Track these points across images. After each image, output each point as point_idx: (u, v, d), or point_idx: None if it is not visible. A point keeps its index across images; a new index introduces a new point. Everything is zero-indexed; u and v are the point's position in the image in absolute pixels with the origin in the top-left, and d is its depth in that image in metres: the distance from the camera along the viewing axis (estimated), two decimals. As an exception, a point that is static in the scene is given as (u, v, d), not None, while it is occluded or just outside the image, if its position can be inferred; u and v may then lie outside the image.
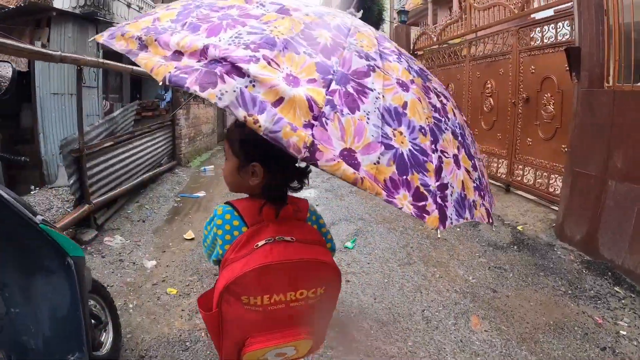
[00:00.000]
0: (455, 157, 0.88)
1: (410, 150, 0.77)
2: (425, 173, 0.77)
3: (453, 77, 7.25)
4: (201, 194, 5.69)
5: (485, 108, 6.32)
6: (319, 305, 1.01)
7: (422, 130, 0.81)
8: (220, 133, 11.97)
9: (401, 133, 0.77)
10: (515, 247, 4.11)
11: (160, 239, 3.98)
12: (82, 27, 7.47)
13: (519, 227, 4.69)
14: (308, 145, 0.67)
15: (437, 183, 0.78)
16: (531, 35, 5.33)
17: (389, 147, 0.74)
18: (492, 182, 5.98)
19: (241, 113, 0.66)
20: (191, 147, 8.42)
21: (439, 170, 0.80)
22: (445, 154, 0.84)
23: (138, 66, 0.83)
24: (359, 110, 0.74)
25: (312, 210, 1.12)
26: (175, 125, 7.45)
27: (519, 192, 5.68)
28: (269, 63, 0.71)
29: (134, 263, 3.45)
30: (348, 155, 0.71)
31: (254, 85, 0.67)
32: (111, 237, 3.98)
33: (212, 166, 7.74)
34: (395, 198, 0.71)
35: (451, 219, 0.79)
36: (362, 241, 3.99)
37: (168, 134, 7.22)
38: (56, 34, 6.77)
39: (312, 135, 0.68)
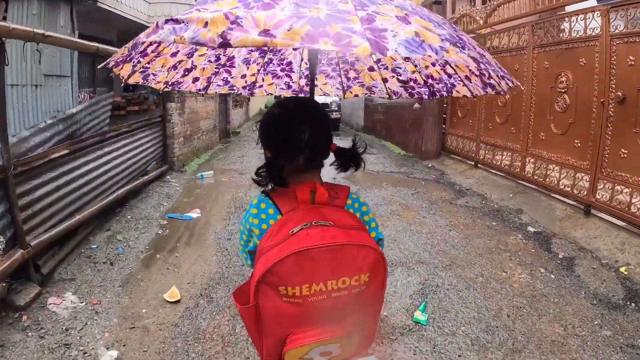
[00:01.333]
0: (401, 17, 0.84)
1: (327, 14, 0.77)
2: (347, 23, 0.75)
3: (509, 67, 5.88)
4: (195, 213, 4.37)
5: (557, 107, 4.95)
6: (364, 296, 0.92)
7: (343, 1, 0.81)
8: (222, 129, 10.62)
9: (317, 8, 0.78)
10: (634, 304, 2.89)
11: (131, 300, 2.67)
12: (52, 4, 6.11)
13: (623, 270, 3.44)
14: (220, 33, 0.74)
15: (366, 26, 0.76)
16: (630, 16, 3.97)
17: (302, 16, 0.75)
18: (564, 199, 4.70)
19: (172, 38, 0.79)
20: (187, 147, 7.09)
21: (368, 20, 0.78)
22: (381, 14, 0.82)
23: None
24: (273, 8, 0.78)
25: (353, 198, 1.08)
26: (166, 122, 6.12)
27: (603, 216, 4.36)
28: (199, 10, 0.83)
29: (86, 353, 2.15)
30: (264, 34, 0.73)
31: (187, 25, 0.78)
32: (60, 295, 2.67)
33: (212, 171, 6.41)
34: (315, 44, 0.71)
35: (396, 51, 0.75)
36: (435, 307, 2.66)
37: (157, 132, 5.88)
38: (16, 10, 5.41)
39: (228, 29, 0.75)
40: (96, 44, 3.25)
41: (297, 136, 0.98)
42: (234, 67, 1.67)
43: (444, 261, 3.30)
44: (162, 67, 1.49)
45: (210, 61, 1.59)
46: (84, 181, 3.49)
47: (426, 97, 1.57)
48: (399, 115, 9.25)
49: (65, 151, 3.14)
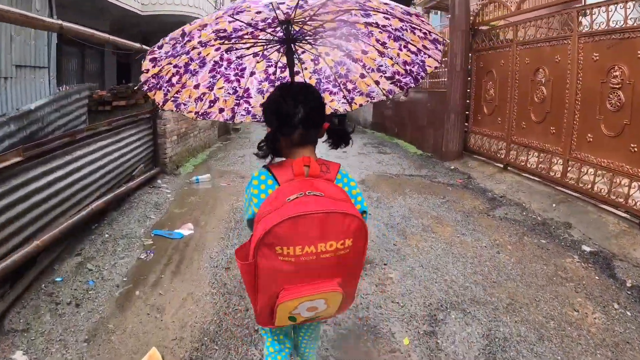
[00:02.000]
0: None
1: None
2: None
3: (547, 59, 5.14)
4: (187, 230, 3.66)
5: (609, 105, 4.23)
6: (347, 258, 1.06)
7: None
8: (221, 126, 9.90)
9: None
10: None
11: (97, 364, 1.98)
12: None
13: None
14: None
15: None
16: None
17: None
18: (615, 211, 4.04)
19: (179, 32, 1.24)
20: (181, 146, 6.37)
21: None
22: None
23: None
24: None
25: (343, 174, 1.24)
26: (157, 118, 5.39)
27: (664, 230, 3.70)
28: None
29: None
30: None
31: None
32: (7, 357, 1.98)
33: (208, 174, 5.68)
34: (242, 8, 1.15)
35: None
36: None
37: (146, 131, 5.16)
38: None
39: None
40: (60, 21, 2.54)
41: (293, 115, 1.14)
42: (251, 97, 1.79)
43: (503, 299, 2.61)
44: (189, 97, 1.62)
45: (229, 93, 1.74)
46: (47, 194, 2.78)
47: (412, 85, 1.67)
48: (413, 111, 8.51)
49: (18, 159, 2.43)
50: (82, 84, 8.88)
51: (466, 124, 6.87)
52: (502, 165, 5.90)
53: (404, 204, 4.45)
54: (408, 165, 6.66)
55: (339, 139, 1.27)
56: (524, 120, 5.52)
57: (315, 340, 1.50)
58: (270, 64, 1.70)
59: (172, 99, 1.57)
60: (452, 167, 6.43)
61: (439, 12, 22.27)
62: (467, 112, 6.84)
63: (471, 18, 6.66)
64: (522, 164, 5.48)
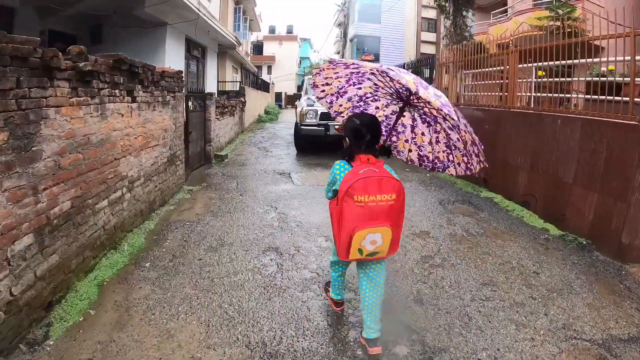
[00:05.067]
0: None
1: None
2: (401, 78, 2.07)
3: None
4: None
5: None
6: (393, 208, 1.96)
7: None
8: (195, 154, 6.36)
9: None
10: None
11: None
12: None
13: None
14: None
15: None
16: None
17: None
18: None
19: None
20: (63, 246, 2.70)
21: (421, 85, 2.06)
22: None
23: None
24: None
25: (387, 167, 2.06)
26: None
27: None
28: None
29: None
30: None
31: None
32: None
33: None
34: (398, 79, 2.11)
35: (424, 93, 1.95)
36: None
37: None
38: None
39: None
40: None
41: (364, 135, 2.07)
42: (402, 134, 2.83)
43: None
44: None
45: (405, 138, 2.80)
46: None
47: (480, 167, 2.48)
48: (537, 149, 4.76)
49: None
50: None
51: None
52: None
53: None
54: (575, 285, 2.93)
55: (385, 152, 2.26)
56: None
57: (376, 288, 2.20)
58: (412, 115, 2.69)
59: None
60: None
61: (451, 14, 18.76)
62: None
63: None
64: None
